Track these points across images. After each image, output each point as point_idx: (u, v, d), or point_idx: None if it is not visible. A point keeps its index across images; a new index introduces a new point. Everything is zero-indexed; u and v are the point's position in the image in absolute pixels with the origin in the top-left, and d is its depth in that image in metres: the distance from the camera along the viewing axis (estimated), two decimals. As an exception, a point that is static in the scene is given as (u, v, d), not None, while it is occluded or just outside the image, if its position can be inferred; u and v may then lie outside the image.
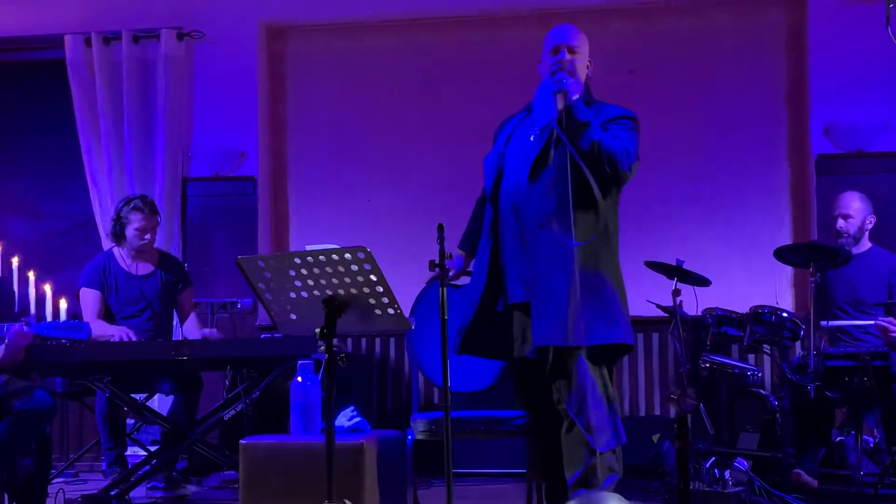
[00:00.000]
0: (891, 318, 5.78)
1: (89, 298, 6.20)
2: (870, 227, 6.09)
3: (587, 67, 4.39)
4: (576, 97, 4.15)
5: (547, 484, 4.41)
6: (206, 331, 6.10)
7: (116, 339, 5.73)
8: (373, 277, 3.52)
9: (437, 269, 3.94)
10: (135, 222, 6.20)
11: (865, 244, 6.10)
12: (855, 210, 6.06)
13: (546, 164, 4.18)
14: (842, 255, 5.80)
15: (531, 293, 4.14)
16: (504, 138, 4.39)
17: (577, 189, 4.09)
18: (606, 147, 4.10)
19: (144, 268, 6.33)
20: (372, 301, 3.59)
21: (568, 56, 4.28)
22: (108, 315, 6.22)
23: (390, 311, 3.61)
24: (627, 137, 4.20)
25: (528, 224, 4.17)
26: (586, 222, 4.15)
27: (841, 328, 5.98)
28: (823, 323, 5.88)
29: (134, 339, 5.81)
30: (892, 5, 4.14)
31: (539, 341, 4.09)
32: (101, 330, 5.86)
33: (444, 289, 3.84)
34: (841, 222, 6.06)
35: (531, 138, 4.27)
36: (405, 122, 7.67)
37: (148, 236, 6.24)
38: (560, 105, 4.11)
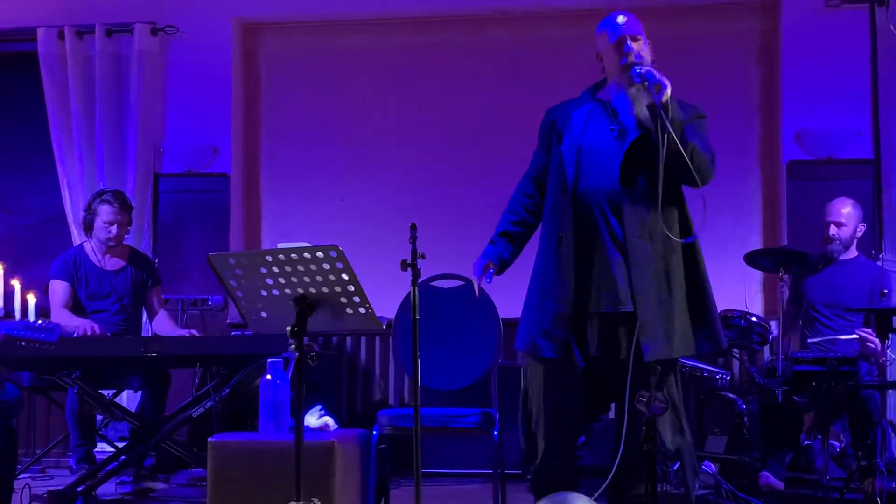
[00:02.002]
0: (869, 330, 5.80)
1: (58, 289, 6.18)
2: (860, 234, 6.12)
3: (651, 51, 4.24)
4: (670, 90, 3.98)
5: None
6: (184, 331, 6.07)
7: (80, 333, 5.70)
8: (344, 276, 3.51)
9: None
10: (103, 215, 6.18)
11: (853, 252, 6.13)
12: (847, 217, 6.07)
13: (637, 165, 4.06)
14: (812, 260, 5.83)
15: (638, 304, 4.01)
16: (579, 129, 4.17)
17: (671, 193, 4.07)
18: (700, 151, 4.05)
19: (115, 263, 6.31)
20: (343, 300, 3.58)
21: (635, 46, 4.14)
22: (77, 308, 6.19)
23: (361, 310, 3.60)
24: (708, 138, 4.17)
25: (628, 230, 4.04)
26: (682, 225, 4.16)
27: (824, 333, 6.02)
28: (810, 340, 5.90)
29: (98, 332, 5.78)
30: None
31: (652, 356, 3.98)
32: (67, 321, 5.83)
33: (416, 288, 3.83)
34: (833, 229, 6.07)
35: (613, 133, 4.13)
36: (379, 120, 7.67)
37: (115, 230, 6.20)
38: (664, 97, 3.95)
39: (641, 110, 4.02)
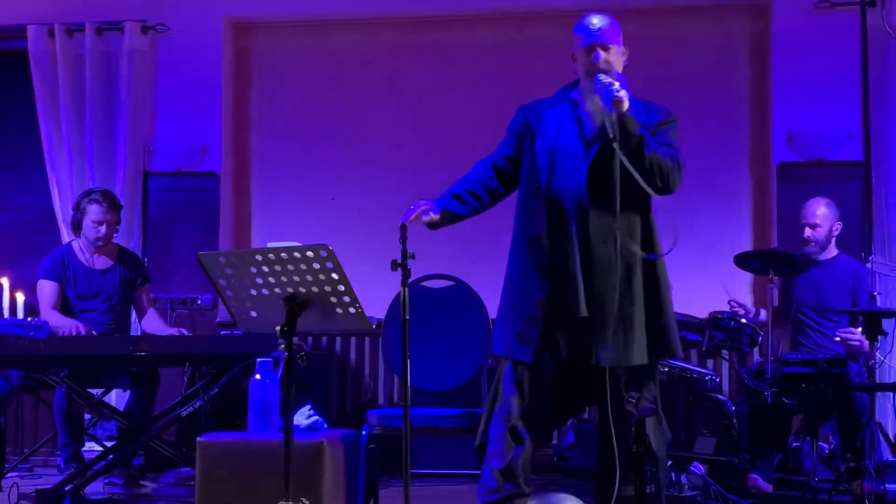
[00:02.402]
0: (851, 329, 5.83)
1: (46, 289, 6.17)
2: (836, 233, 6.13)
3: (623, 56, 4.23)
4: (627, 106, 3.96)
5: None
6: (173, 330, 6.06)
7: (66, 333, 5.70)
8: (334, 276, 3.51)
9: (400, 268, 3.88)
10: (91, 214, 6.18)
11: (832, 251, 6.15)
12: (821, 218, 6.09)
13: (602, 172, 4.02)
14: (801, 262, 5.85)
15: (596, 311, 4.02)
16: (552, 131, 4.17)
17: (632, 200, 4.06)
18: (660, 162, 4.02)
19: (103, 262, 6.30)
20: (333, 300, 3.58)
21: (603, 56, 4.13)
22: (66, 308, 6.18)
23: (351, 310, 3.60)
24: (677, 145, 4.16)
25: (594, 235, 4.05)
26: (645, 231, 4.16)
27: (811, 336, 6.03)
28: (791, 356, 5.91)
29: (83, 332, 5.78)
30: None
31: (608, 363, 4.00)
32: (55, 321, 5.82)
33: (406, 288, 3.82)
34: (808, 231, 6.10)
35: (586, 138, 4.13)
36: (370, 120, 7.66)
37: (103, 229, 6.20)
38: (615, 114, 3.93)
39: (600, 121, 4.04)
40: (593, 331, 4.02)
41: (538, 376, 4.11)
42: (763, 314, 6.03)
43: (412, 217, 4.08)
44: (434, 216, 4.15)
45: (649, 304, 4.10)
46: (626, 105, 3.93)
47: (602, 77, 4.01)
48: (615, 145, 3.90)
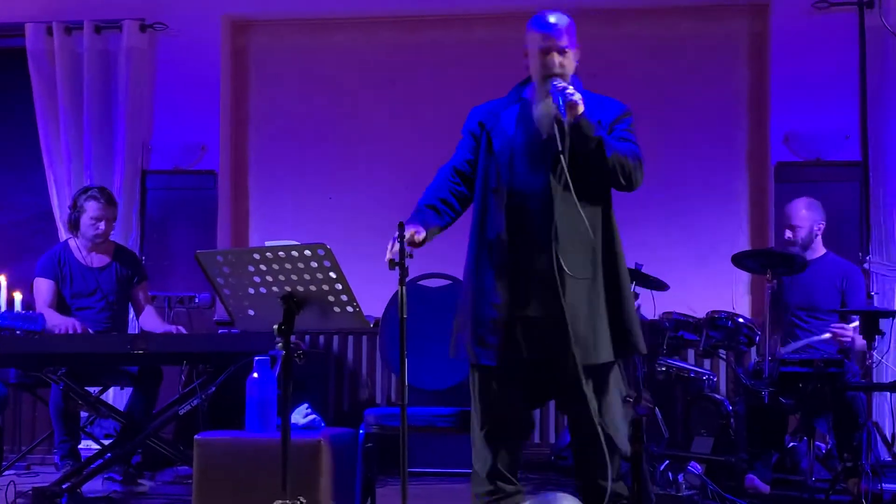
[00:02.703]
0: (843, 324, 5.84)
1: (43, 288, 6.18)
2: (819, 232, 6.13)
3: (577, 56, 4.11)
4: (583, 110, 3.87)
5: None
6: (171, 327, 6.06)
7: (62, 331, 5.70)
8: (332, 275, 3.51)
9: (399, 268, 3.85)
10: (90, 211, 6.18)
11: (819, 250, 6.15)
12: (801, 219, 6.10)
13: (560, 174, 3.92)
14: (798, 261, 5.85)
15: (567, 310, 3.92)
16: (510, 131, 4.09)
17: (594, 196, 4.00)
18: (622, 161, 3.94)
19: (100, 260, 6.30)
20: (331, 298, 3.58)
21: (558, 60, 4.01)
22: (62, 306, 6.18)
23: (349, 308, 3.60)
24: (634, 139, 4.09)
25: (560, 235, 3.93)
26: (605, 228, 4.05)
27: (801, 337, 6.04)
28: (781, 352, 5.91)
29: (80, 331, 5.78)
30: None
31: (582, 361, 3.91)
32: (51, 320, 5.83)
33: (404, 287, 3.82)
34: (788, 233, 6.12)
35: (542, 136, 4.00)
36: (368, 119, 7.66)
37: (102, 226, 6.21)
38: (570, 118, 3.85)
39: (551, 125, 3.93)
40: (562, 329, 3.91)
41: (504, 378, 4.06)
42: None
43: (407, 240, 3.89)
44: (420, 236, 4.01)
45: (612, 301, 4.03)
46: (581, 108, 3.85)
47: (557, 82, 3.93)
48: (562, 157, 3.86)
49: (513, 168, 4.04)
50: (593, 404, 3.96)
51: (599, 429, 3.93)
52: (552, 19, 4.04)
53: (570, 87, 3.90)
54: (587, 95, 4.01)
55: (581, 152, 3.90)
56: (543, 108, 3.98)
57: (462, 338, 4.12)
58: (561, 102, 3.85)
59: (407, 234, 3.82)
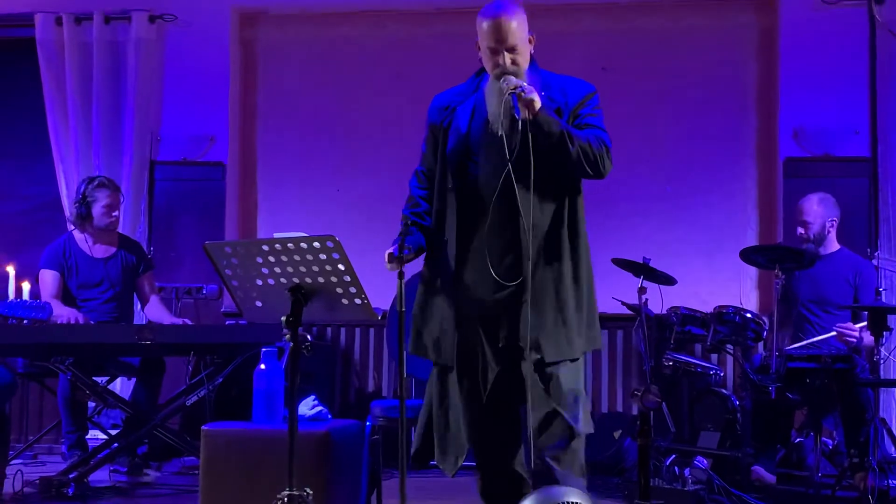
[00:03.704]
0: (848, 324, 5.83)
1: (48, 279, 6.20)
2: (832, 228, 6.13)
3: (530, 42, 3.91)
4: (539, 105, 3.69)
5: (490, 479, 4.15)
6: (177, 319, 6.08)
7: (63, 321, 5.72)
8: (341, 267, 3.51)
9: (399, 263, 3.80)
10: (102, 199, 6.21)
11: (833, 245, 6.15)
12: (814, 215, 6.10)
13: (522, 165, 3.76)
14: (807, 257, 5.84)
15: (532, 306, 3.79)
16: (464, 127, 3.93)
17: (557, 188, 3.85)
18: (586, 149, 3.75)
19: (105, 250, 6.32)
20: (339, 290, 3.58)
21: (509, 58, 3.82)
22: (68, 298, 6.20)
23: (357, 301, 3.60)
24: (599, 122, 3.88)
25: (521, 229, 3.79)
26: (571, 220, 3.88)
27: (811, 331, 6.03)
28: (787, 349, 5.90)
29: (81, 321, 5.81)
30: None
31: (552, 357, 3.81)
32: (55, 311, 5.85)
33: (402, 280, 3.82)
34: (801, 229, 6.13)
35: (498, 132, 3.80)
36: (376, 111, 7.66)
37: (116, 213, 6.24)
38: (528, 117, 3.68)
39: (506, 123, 3.77)
40: (524, 325, 3.80)
41: (466, 379, 3.95)
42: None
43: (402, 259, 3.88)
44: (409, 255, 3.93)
45: (574, 295, 3.88)
46: (537, 105, 3.68)
47: (508, 82, 3.72)
48: (509, 167, 3.74)
49: (467, 165, 3.91)
50: (562, 382, 3.83)
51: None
52: (499, 17, 3.82)
53: (524, 83, 3.72)
54: (549, 78, 3.92)
55: (544, 149, 3.73)
56: (497, 107, 3.79)
57: (415, 338, 4.01)
58: (515, 103, 3.67)
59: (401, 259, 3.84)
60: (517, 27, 3.84)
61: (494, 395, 3.94)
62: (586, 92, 3.93)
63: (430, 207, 4.06)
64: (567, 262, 3.86)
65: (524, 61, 3.88)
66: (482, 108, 3.93)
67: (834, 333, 5.85)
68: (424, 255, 4.05)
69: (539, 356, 3.81)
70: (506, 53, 3.82)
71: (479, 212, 3.88)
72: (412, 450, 4.12)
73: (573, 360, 3.89)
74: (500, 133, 3.79)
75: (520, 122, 3.71)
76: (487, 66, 3.90)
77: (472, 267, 3.90)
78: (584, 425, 3.88)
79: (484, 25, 3.85)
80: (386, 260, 3.86)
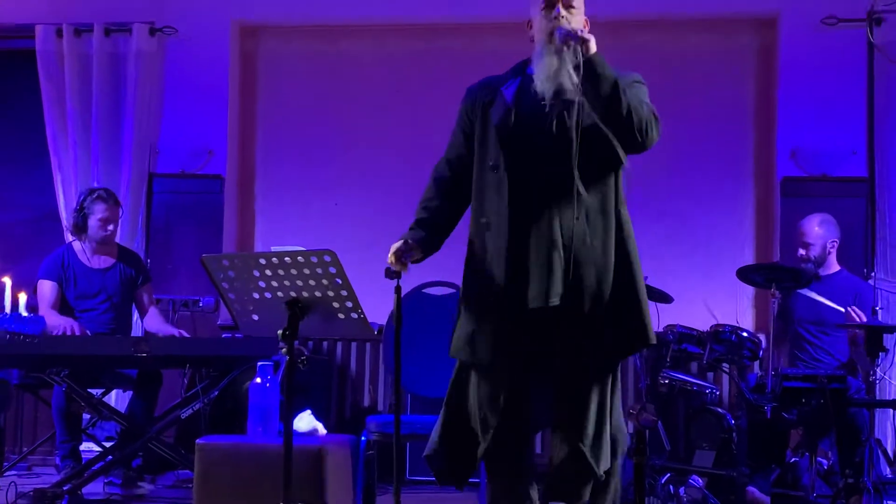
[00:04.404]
0: (859, 311, 5.78)
1: (46, 290, 6.20)
2: (833, 249, 6.15)
3: (586, 26, 3.73)
4: (595, 49, 3.51)
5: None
6: (175, 331, 6.08)
7: (59, 331, 5.73)
8: (338, 281, 3.51)
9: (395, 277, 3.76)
10: (98, 213, 6.21)
11: (833, 266, 6.16)
12: (814, 237, 6.12)
13: (568, 146, 3.60)
14: (804, 276, 5.85)
15: (577, 298, 3.61)
16: (510, 104, 3.73)
17: (603, 172, 3.67)
18: (638, 108, 3.58)
19: (104, 261, 6.32)
20: (336, 305, 3.58)
21: (563, 12, 3.64)
22: (65, 308, 6.20)
23: (354, 315, 3.60)
24: (647, 100, 3.72)
25: (566, 214, 3.62)
26: (617, 208, 3.70)
27: (809, 351, 6.04)
28: (789, 371, 5.88)
29: (77, 332, 5.81)
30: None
31: (591, 352, 3.62)
32: (51, 320, 5.87)
33: (399, 295, 3.82)
34: (802, 250, 6.14)
35: (545, 108, 3.64)
36: (375, 126, 7.66)
37: (111, 227, 6.24)
38: (582, 51, 3.48)
39: (566, 80, 3.57)
40: (568, 319, 3.62)
41: (506, 377, 3.72)
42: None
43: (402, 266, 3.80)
44: (414, 255, 3.83)
45: (621, 287, 3.67)
46: (593, 45, 3.51)
47: (564, 27, 3.58)
48: (590, 86, 3.51)
49: (511, 143, 3.70)
50: (592, 407, 3.64)
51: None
52: None
53: (575, 29, 3.56)
54: None
55: (594, 100, 3.55)
56: (548, 64, 3.61)
57: (460, 333, 3.82)
58: (571, 36, 3.52)
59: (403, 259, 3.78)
60: None
61: (518, 405, 3.74)
62: (637, 77, 3.79)
63: (446, 201, 3.92)
64: (612, 253, 3.67)
65: (579, 26, 3.66)
66: (527, 87, 3.74)
67: (843, 311, 5.81)
68: (468, 250, 3.83)
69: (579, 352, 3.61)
70: (561, 7, 3.66)
71: (519, 194, 3.67)
72: (427, 453, 3.92)
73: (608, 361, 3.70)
74: (552, 94, 3.61)
75: (572, 72, 3.52)
76: (540, 29, 3.71)
77: (513, 255, 3.67)
78: (604, 462, 3.69)
79: None
80: (390, 256, 3.78)
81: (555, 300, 3.60)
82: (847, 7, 7.01)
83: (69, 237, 7.06)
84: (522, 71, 3.83)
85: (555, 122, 3.65)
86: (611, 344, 3.67)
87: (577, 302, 3.63)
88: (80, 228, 6.26)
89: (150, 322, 6.36)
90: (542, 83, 3.66)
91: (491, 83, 3.86)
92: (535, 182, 3.67)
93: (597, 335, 3.64)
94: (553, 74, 3.61)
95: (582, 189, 3.63)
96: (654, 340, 3.76)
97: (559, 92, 3.61)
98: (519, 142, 3.70)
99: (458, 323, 3.86)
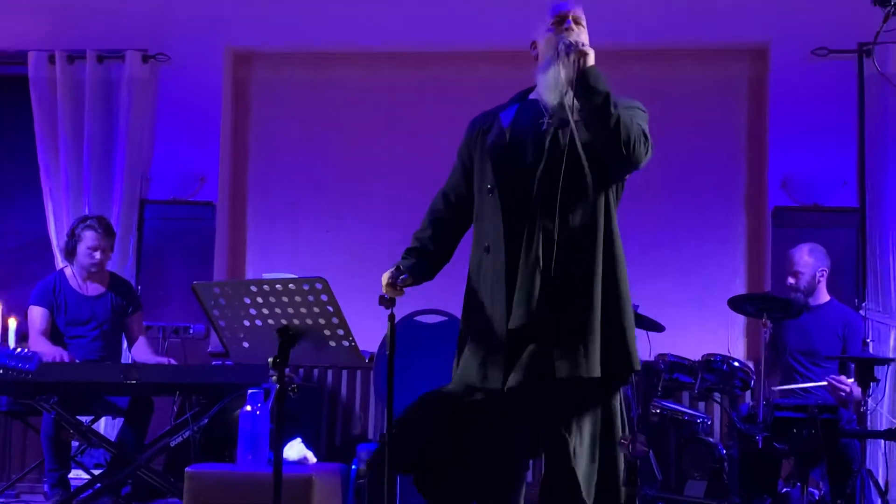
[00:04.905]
0: (841, 377, 5.83)
1: (36, 316, 6.20)
2: (822, 279, 6.16)
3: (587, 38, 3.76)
4: (592, 61, 3.55)
5: None
6: (162, 359, 6.06)
7: (48, 359, 5.71)
8: (329, 309, 3.50)
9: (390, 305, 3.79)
10: (87, 240, 6.20)
11: (823, 296, 6.18)
12: (804, 266, 6.14)
13: (560, 163, 3.58)
14: (795, 306, 5.86)
15: (555, 316, 3.55)
16: (506, 126, 3.73)
17: (594, 191, 3.63)
18: (627, 123, 3.55)
19: (95, 289, 6.31)
20: (327, 332, 3.56)
21: (574, 27, 3.68)
22: (56, 335, 6.18)
23: (345, 343, 3.59)
24: (643, 123, 3.70)
25: (549, 233, 3.57)
26: (607, 231, 3.65)
27: (800, 382, 6.04)
28: (775, 388, 5.91)
29: (66, 360, 5.80)
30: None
31: (565, 373, 3.50)
32: (40, 348, 5.85)
33: (393, 323, 3.81)
34: (791, 279, 6.16)
35: (542, 126, 3.65)
36: (367, 154, 7.67)
37: (98, 255, 6.22)
38: (580, 64, 3.53)
39: (558, 95, 3.60)
40: (548, 341, 3.54)
41: (497, 403, 3.62)
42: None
43: (396, 288, 3.81)
44: (407, 279, 3.82)
45: (608, 310, 3.59)
46: (591, 58, 3.56)
47: (566, 38, 3.61)
48: (581, 95, 3.52)
49: (506, 164, 3.68)
50: (573, 440, 3.52)
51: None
52: (569, 4, 3.76)
53: (577, 41, 3.60)
54: None
55: (584, 112, 3.56)
56: (551, 75, 3.63)
57: (460, 356, 3.76)
58: (569, 48, 3.56)
59: (396, 284, 3.79)
60: (584, 18, 3.77)
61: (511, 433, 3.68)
62: (634, 102, 3.78)
63: (438, 232, 3.93)
64: (599, 276, 3.59)
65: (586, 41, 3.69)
66: (526, 109, 3.77)
67: (825, 383, 5.85)
68: (468, 274, 3.79)
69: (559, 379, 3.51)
70: (571, 21, 3.70)
71: (516, 216, 3.64)
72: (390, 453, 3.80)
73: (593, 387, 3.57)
74: (550, 108, 3.63)
75: (568, 90, 3.56)
76: (547, 45, 3.71)
77: (509, 278, 3.62)
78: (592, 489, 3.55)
79: (552, 7, 3.76)
80: (383, 284, 3.80)
81: (524, 321, 3.56)
82: (837, 38, 7.05)
83: (59, 264, 7.07)
84: (523, 97, 3.86)
85: (548, 142, 3.64)
86: (581, 366, 3.53)
87: (558, 326, 3.54)
88: (70, 254, 6.26)
89: (137, 351, 6.35)
90: (545, 94, 3.68)
91: (491, 112, 3.88)
92: (528, 202, 3.63)
93: (579, 360, 3.52)
94: (556, 84, 3.63)
95: (560, 210, 3.58)
96: (638, 367, 3.66)
97: (562, 105, 3.62)
98: (511, 162, 3.68)
99: (461, 346, 3.79)
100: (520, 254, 3.62)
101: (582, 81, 3.55)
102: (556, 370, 3.52)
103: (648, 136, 3.68)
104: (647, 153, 3.67)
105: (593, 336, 3.55)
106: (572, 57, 3.56)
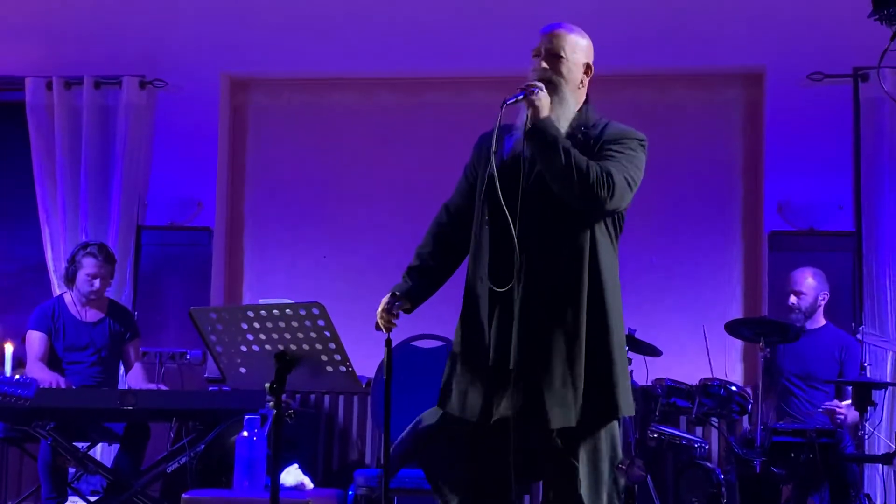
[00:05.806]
0: (836, 402, 5.83)
1: (35, 340, 6.20)
2: (823, 303, 6.18)
3: (585, 74, 3.68)
4: (545, 115, 3.46)
5: None
6: (152, 386, 6.07)
7: (45, 385, 5.70)
8: (326, 334, 3.49)
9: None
10: (87, 267, 6.21)
11: (819, 321, 6.19)
12: (807, 287, 6.15)
13: (536, 198, 3.52)
14: (792, 331, 5.86)
15: (533, 361, 3.48)
16: (499, 154, 3.63)
17: (574, 226, 3.54)
18: (580, 167, 3.41)
19: (94, 315, 6.31)
20: (324, 358, 3.56)
21: (543, 65, 3.59)
22: (53, 360, 6.18)
23: (342, 368, 3.58)
24: (625, 160, 3.55)
25: (532, 271, 3.51)
26: (592, 264, 3.53)
27: (796, 405, 6.04)
28: (778, 425, 5.88)
29: (63, 386, 5.80)
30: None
31: (557, 423, 3.43)
32: (36, 374, 5.85)
33: (390, 348, 3.81)
34: (793, 298, 6.17)
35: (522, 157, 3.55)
36: (364, 178, 7.68)
37: (97, 283, 6.23)
38: (530, 117, 3.46)
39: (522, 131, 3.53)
40: (534, 384, 3.45)
41: (483, 437, 3.59)
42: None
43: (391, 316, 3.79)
44: (402, 306, 3.80)
45: (592, 350, 3.48)
46: (542, 109, 3.46)
47: (531, 84, 3.52)
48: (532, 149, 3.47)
49: (493, 197, 3.54)
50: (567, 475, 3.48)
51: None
52: (555, 28, 3.66)
53: (540, 85, 3.51)
54: (601, 121, 3.68)
55: (535, 158, 3.49)
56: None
57: (445, 387, 3.71)
58: (519, 95, 3.48)
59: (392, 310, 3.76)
60: (570, 43, 3.63)
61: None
62: (626, 133, 3.66)
63: (439, 247, 3.87)
64: (583, 311, 3.48)
65: (567, 81, 3.62)
66: (516, 136, 3.66)
67: (822, 410, 5.86)
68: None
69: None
70: (541, 62, 3.60)
71: (502, 249, 3.56)
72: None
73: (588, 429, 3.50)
74: (520, 150, 3.55)
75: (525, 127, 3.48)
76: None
77: (490, 313, 3.58)
78: None
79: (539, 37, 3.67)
80: (378, 311, 3.79)
81: (501, 360, 3.53)
82: (833, 63, 7.07)
83: (56, 289, 7.07)
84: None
85: (523, 174, 3.55)
86: (567, 415, 3.45)
87: (537, 365, 3.47)
88: (70, 280, 6.27)
89: (132, 378, 6.35)
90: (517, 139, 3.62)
91: (501, 130, 3.67)
92: (506, 238, 3.52)
93: (561, 401, 3.44)
94: (520, 120, 3.58)
95: (539, 244, 3.52)
96: (624, 412, 3.52)
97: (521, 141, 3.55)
98: (495, 198, 3.54)
99: (448, 373, 3.75)
100: (504, 287, 3.53)
101: (532, 131, 3.48)
102: (548, 419, 3.43)
103: (612, 175, 3.47)
104: (611, 196, 3.46)
105: (573, 383, 3.45)
106: (525, 102, 3.50)
